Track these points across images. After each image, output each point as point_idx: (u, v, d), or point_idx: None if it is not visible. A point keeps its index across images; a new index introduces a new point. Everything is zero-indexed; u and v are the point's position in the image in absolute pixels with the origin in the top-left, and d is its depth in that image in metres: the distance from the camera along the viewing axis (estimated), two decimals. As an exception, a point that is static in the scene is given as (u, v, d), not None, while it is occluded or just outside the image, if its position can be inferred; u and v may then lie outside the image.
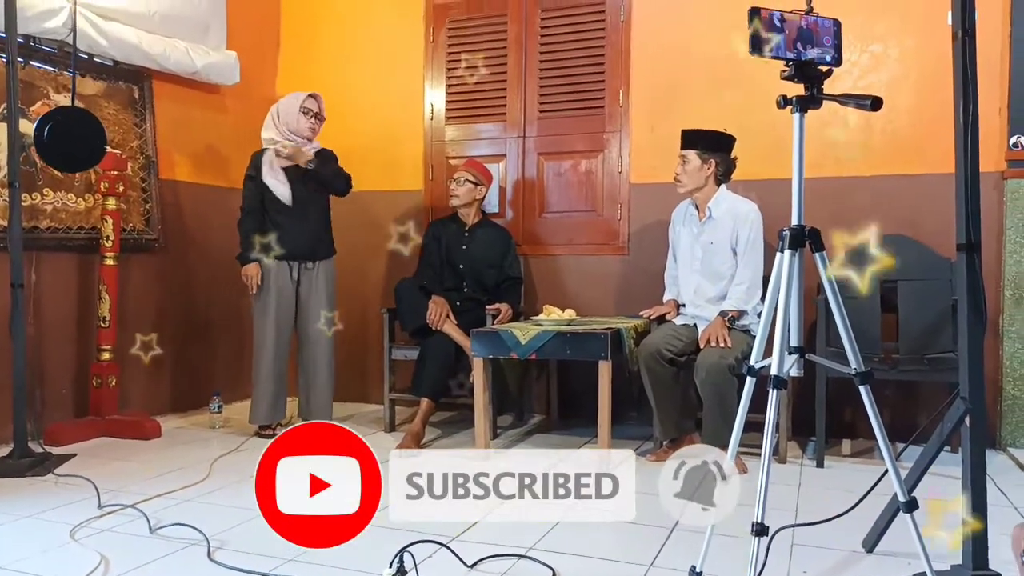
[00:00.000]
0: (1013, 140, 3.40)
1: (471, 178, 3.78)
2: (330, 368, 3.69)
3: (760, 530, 1.58)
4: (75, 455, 3.18)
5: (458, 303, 3.69)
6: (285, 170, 3.57)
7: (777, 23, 1.58)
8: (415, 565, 1.91)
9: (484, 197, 3.86)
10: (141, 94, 3.89)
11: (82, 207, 3.60)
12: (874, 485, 2.09)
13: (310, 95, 3.63)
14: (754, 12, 1.58)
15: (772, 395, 1.60)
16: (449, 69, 4.33)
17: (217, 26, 4.18)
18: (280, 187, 3.53)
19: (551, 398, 4.03)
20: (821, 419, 3.14)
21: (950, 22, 1.82)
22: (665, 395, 3.15)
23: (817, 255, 1.69)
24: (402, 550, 1.88)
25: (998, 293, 3.40)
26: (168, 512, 2.47)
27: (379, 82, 4.45)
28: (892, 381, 3.40)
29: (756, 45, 1.58)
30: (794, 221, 1.69)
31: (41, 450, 3.11)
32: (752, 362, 1.71)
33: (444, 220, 3.96)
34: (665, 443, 3.26)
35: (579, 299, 3.98)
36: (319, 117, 3.66)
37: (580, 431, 3.73)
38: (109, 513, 2.46)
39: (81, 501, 2.57)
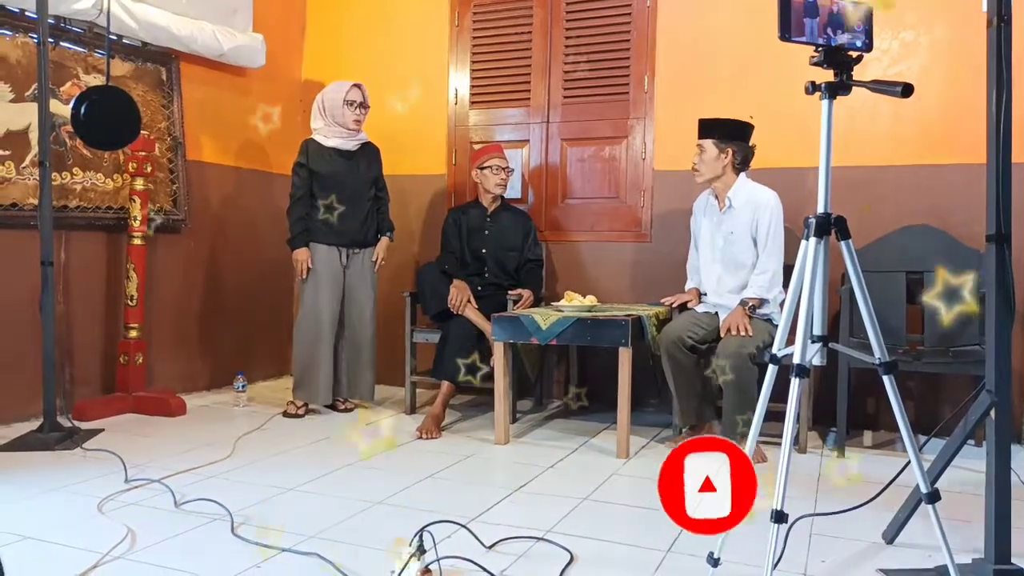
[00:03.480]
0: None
1: (509, 164, 3.82)
2: (373, 351, 3.79)
3: (779, 517, 1.58)
4: (102, 430, 3.24)
5: (479, 288, 3.70)
6: (335, 156, 3.65)
7: (808, 8, 1.56)
8: (434, 544, 1.93)
9: None
10: (169, 75, 3.92)
11: (111, 187, 3.65)
12: (896, 475, 2.09)
13: (354, 85, 3.67)
14: (785, -4, 1.56)
15: (794, 383, 1.58)
16: (474, 54, 4.32)
17: (244, 9, 4.20)
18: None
19: (570, 385, 4.04)
20: (843, 409, 3.12)
21: (985, 9, 1.78)
22: (685, 382, 3.15)
23: (843, 243, 1.67)
24: (422, 529, 1.90)
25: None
26: (193, 487, 2.52)
27: (404, 66, 4.45)
28: (916, 373, 3.36)
29: (786, 30, 1.56)
30: (820, 209, 1.67)
31: (69, 425, 3.18)
32: (775, 350, 1.70)
33: (464, 206, 3.96)
34: (685, 430, 3.26)
35: (600, 286, 3.98)
36: (364, 107, 3.70)
37: (599, 417, 3.73)
38: (135, 487, 2.51)
39: (108, 475, 2.62)
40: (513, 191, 4.15)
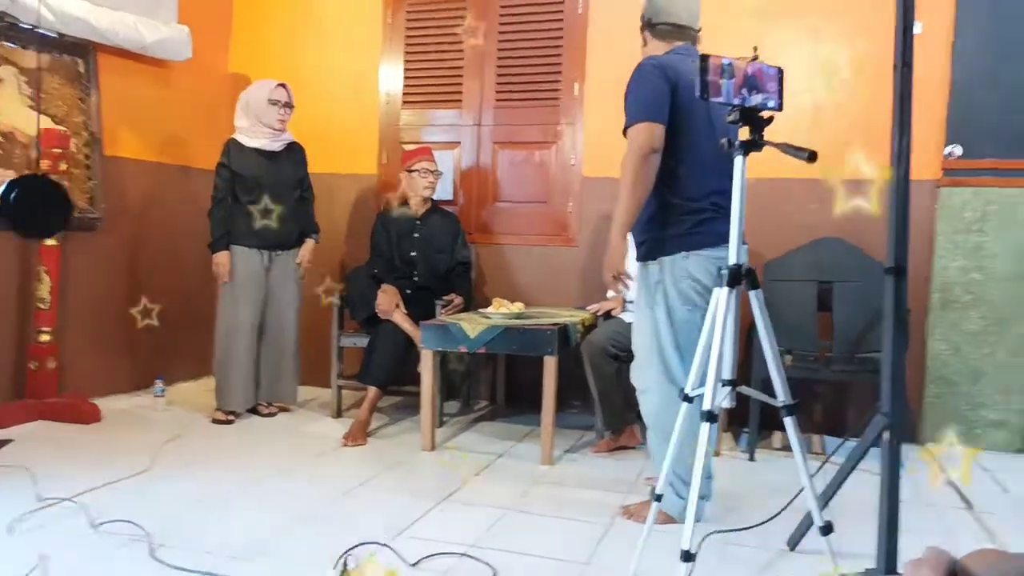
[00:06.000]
0: (948, 150, 3.53)
1: (437, 167, 3.81)
2: (296, 354, 3.77)
3: (687, 557, 1.66)
4: (12, 440, 3.12)
5: (408, 292, 3.71)
6: (257, 157, 3.61)
7: (725, 69, 1.63)
8: (358, 565, 1.95)
9: None
10: (86, 68, 3.76)
11: (22, 183, 3.49)
12: (792, 499, 2.22)
13: (278, 84, 3.63)
14: (704, 59, 1.63)
15: (704, 428, 1.66)
16: (407, 52, 4.28)
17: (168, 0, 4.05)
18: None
19: (497, 386, 4.10)
20: (755, 412, 3.26)
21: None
22: (608, 390, 3.24)
23: (752, 293, 1.76)
24: (345, 553, 1.92)
25: (927, 295, 3.55)
26: (109, 504, 2.45)
27: (334, 62, 4.38)
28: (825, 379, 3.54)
29: (704, 90, 1.63)
30: (731, 260, 1.75)
31: (-23, 435, 3.06)
32: (688, 390, 1.78)
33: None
34: (607, 434, 3.36)
35: (529, 289, 4.04)
36: (288, 106, 3.66)
37: (525, 419, 3.80)
38: (48, 506, 2.42)
39: (19, 492, 2.52)
40: (445, 193, 4.16)
